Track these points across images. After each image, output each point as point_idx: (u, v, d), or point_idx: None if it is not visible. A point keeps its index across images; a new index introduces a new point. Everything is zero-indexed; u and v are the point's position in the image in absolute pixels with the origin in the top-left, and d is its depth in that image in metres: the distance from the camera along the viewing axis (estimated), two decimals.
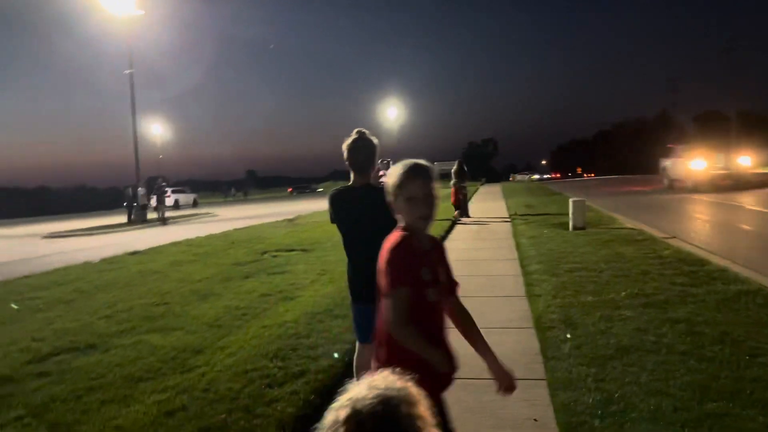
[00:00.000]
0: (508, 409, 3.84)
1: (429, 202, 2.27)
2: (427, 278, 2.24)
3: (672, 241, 10.63)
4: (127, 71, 33.08)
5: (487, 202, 26.85)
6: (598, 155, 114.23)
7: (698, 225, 14.66)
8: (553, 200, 25.12)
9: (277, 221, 22.36)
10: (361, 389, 1.24)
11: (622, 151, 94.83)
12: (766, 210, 16.62)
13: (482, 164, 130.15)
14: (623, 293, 6.58)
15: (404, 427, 1.19)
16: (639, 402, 3.71)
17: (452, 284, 2.44)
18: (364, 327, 3.51)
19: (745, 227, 13.62)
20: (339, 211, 3.64)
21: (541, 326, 5.62)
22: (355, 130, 3.56)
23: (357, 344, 3.74)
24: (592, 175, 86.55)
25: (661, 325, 5.31)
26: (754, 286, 6.61)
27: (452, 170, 18.86)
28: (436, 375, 2.18)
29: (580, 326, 5.45)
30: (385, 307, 2.20)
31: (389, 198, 2.33)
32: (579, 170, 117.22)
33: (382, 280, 2.21)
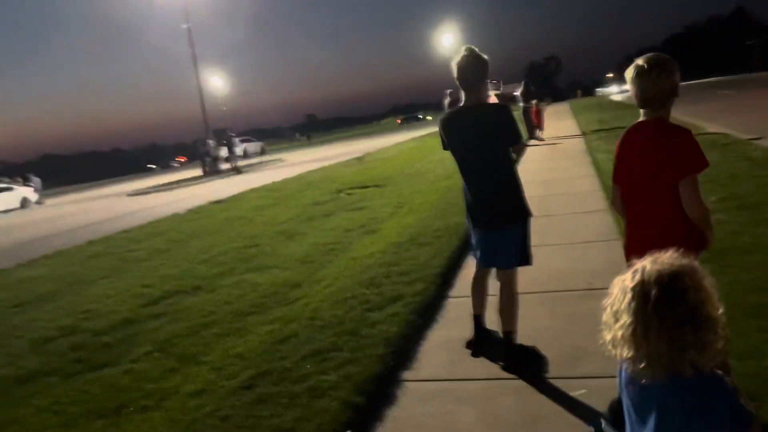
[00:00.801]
0: (599, 316, 3.92)
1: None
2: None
3: (760, 143, 10.14)
4: (185, 26, 33.55)
5: (558, 121, 26.13)
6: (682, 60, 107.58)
7: None
8: (626, 114, 24.17)
9: (346, 161, 22.65)
10: (648, 264, 1.35)
11: (699, 54, 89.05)
12: None
13: (546, 83, 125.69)
14: (713, 198, 6.42)
15: (689, 298, 1.29)
16: (740, 300, 3.71)
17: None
18: (486, 252, 3.54)
19: None
20: (452, 136, 3.46)
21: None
22: (464, 47, 3.39)
23: (476, 264, 3.75)
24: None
25: (755, 226, 5.19)
26: None
27: (519, 92, 18.44)
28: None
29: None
30: (689, 190, 2.37)
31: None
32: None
33: (683, 164, 2.37)
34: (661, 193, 2.44)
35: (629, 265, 1.40)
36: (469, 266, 5.67)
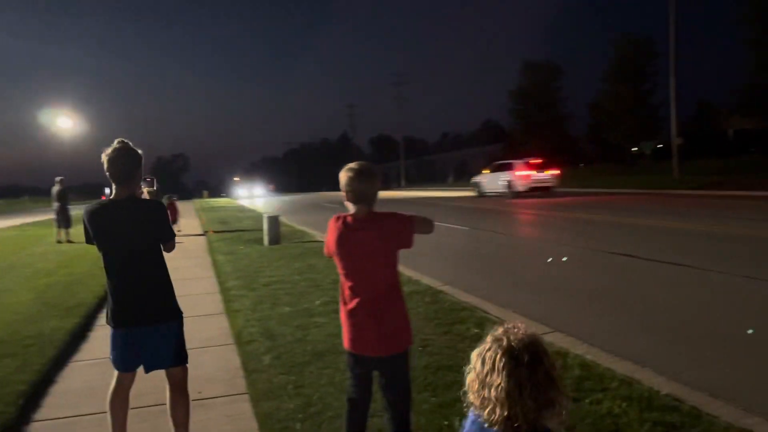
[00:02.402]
0: (211, 428, 3.80)
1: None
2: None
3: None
4: None
5: (181, 219, 25.91)
6: (290, 172, 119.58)
7: None
8: (247, 216, 25.50)
9: None
10: (510, 333, 1.58)
11: (312, 169, 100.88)
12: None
13: (172, 180, 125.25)
14: (317, 302, 7.03)
15: (545, 361, 1.54)
16: (334, 401, 4.01)
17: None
18: (129, 353, 3.25)
19: None
20: (101, 229, 3.23)
21: (241, 341, 5.67)
22: (117, 140, 3.24)
23: (116, 374, 3.34)
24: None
25: None
26: (423, 287, 7.67)
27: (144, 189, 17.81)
28: None
29: (279, 337, 5.67)
30: (415, 224, 2.88)
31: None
32: (272, 188, 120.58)
33: (409, 223, 2.86)
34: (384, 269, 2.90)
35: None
36: (65, 380, 4.96)
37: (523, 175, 27.73)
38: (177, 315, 3.38)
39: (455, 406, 3.82)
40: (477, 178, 32.80)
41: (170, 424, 3.37)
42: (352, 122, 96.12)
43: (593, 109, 52.16)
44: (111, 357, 3.33)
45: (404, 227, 2.85)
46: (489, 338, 1.64)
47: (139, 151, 3.31)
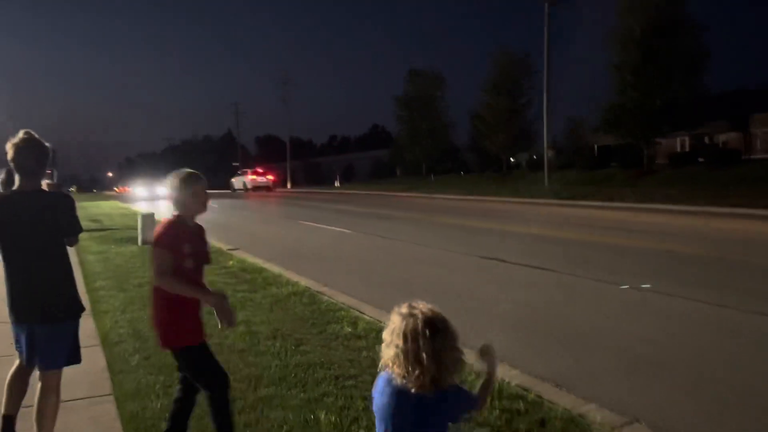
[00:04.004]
0: (73, 429, 3.69)
1: (206, 200, 3.23)
2: (187, 251, 3.07)
3: (236, 253, 11.57)
4: None
5: None
6: (168, 170, 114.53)
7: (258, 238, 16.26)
8: (122, 214, 24.30)
9: None
10: (420, 306, 1.91)
11: (192, 166, 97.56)
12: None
13: None
14: None
15: (448, 330, 1.89)
16: (203, 400, 4.02)
17: (208, 257, 3.36)
18: (30, 348, 3.20)
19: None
20: (3, 220, 3.13)
21: (108, 342, 5.50)
22: (23, 130, 3.18)
23: (19, 359, 3.34)
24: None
25: (223, 329, 5.80)
26: (302, 288, 7.77)
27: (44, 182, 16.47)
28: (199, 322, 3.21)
29: (150, 338, 5.54)
30: (152, 264, 3.00)
31: (172, 191, 3.12)
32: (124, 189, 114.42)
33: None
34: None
35: None
36: None
37: (251, 179, 43.36)
38: (75, 313, 3.33)
39: (323, 401, 3.98)
40: (232, 180, 48.06)
41: (34, 428, 3.24)
42: (238, 120, 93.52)
43: (474, 119, 54.53)
44: (15, 344, 3.32)
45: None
46: (398, 317, 1.90)
47: (47, 144, 3.30)
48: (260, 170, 41.62)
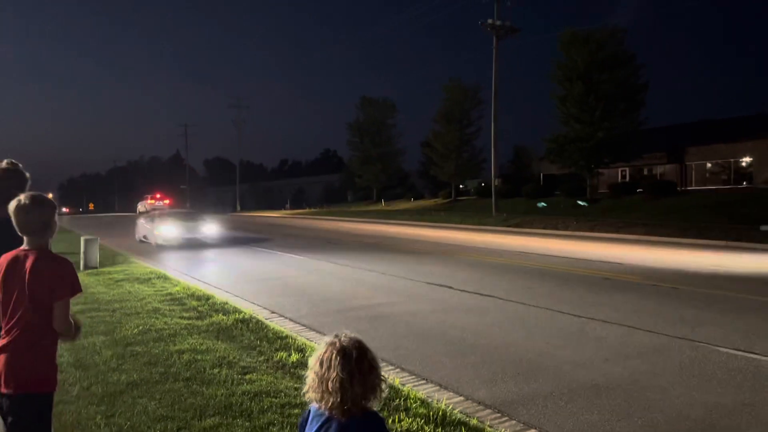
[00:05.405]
0: None
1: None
2: None
3: (183, 279, 11.40)
4: None
5: None
6: (114, 191, 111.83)
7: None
8: (62, 238, 23.53)
9: None
10: (340, 337, 1.98)
11: (139, 189, 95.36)
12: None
13: None
14: (135, 330, 6.80)
15: (369, 355, 1.97)
16: (147, 429, 3.98)
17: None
18: None
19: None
20: None
21: None
22: (6, 160, 3.29)
23: None
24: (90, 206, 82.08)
25: (169, 357, 5.74)
26: (248, 315, 7.73)
27: None
28: None
29: (92, 366, 5.43)
30: (62, 310, 2.63)
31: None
32: (91, 206, 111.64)
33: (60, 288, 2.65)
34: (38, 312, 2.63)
35: None
36: None
37: (149, 203, 46.28)
38: None
39: (268, 430, 3.99)
40: (138, 204, 50.51)
41: None
42: (187, 142, 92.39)
43: (425, 147, 55.39)
44: None
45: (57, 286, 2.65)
46: (323, 344, 2.00)
47: (27, 174, 3.39)
48: (158, 196, 48.07)
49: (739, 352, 6.21)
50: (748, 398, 4.90)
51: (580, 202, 24.21)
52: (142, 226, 21.94)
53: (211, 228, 20.85)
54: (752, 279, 11.77)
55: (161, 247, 19.40)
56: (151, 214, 21.72)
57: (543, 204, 22.43)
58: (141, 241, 21.84)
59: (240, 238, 23.48)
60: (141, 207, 49.70)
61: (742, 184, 37.26)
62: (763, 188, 32.56)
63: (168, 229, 19.72)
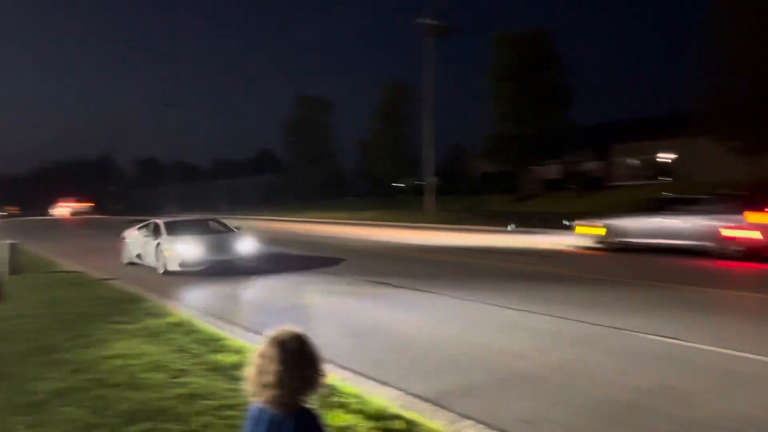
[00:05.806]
0: None
1: None
2: None
3: (114, 283, 11.02)
4: None
5: None
6: (40, 193, 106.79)
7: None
8: None
9: None
10: (278, 331, 1.98)
11: (64, 190, 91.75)
12: None
13: None
14: (61, 337, 6.54)
15: (309, 346, 1.98)
16: None
17: None
18: None
19: None
20: None
21: None
22: None
23: None
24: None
25: (96, 364, 5.54)
26: (182, 317, 7.55)
27: None
28: None
29: (15, 376, 5.19)
30: None
31: None
32: (17, 210, 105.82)
33: None
34: None
35: None
36: None
37: (71, 205, 54.42)
38: None
39: None
40: (49, 209, 56.78)
41: None
42: (115, 142, 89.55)
43: (362, 146, 55.42)
44: None
45: None
46: (264, 338, 1.99)
47: None
48: (78, 198, 58.59)
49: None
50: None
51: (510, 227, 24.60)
52: (136, 241, 14.69)
53: (247, 245, 13.57)
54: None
55: (173, 276, 12.56)
56: (151, 224, 14.37)
57: (513, 225, 22.76)
58: (130, 263, 14.79)
59: (289, 259, 15.68)
60: (55, 212, 52.31)
61: (664, 179, 39.10)
62: (683, 182, 34.31)
63: (187, 248, 12.71)
